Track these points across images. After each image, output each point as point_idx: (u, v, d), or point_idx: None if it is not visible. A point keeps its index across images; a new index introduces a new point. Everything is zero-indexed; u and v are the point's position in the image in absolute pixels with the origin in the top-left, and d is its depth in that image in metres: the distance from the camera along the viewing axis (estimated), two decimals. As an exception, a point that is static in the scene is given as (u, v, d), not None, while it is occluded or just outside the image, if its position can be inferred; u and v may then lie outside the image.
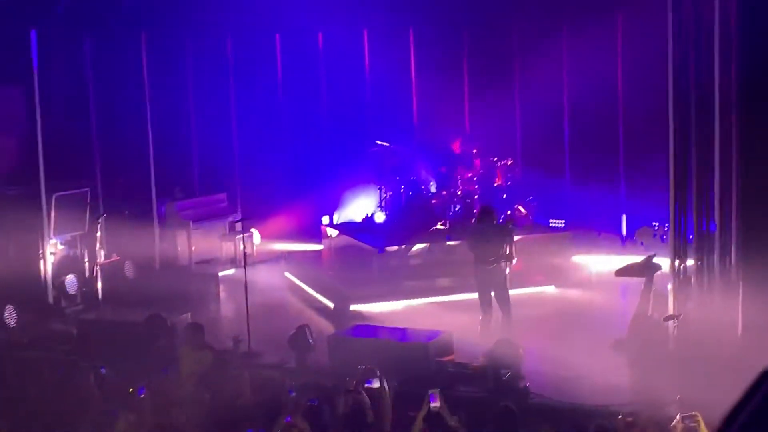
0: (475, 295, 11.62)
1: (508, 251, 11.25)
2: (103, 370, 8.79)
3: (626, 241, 15.48)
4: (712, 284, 10.21)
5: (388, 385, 8.11)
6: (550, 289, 13.64)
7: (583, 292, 13.34)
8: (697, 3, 10.13)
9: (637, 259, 11.58)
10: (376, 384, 7.95)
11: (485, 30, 16.58)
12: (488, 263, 11.08)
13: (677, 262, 10.43)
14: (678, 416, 6.93)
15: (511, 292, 11.11)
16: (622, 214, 15.66)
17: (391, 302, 13.19)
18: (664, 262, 10.99)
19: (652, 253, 11.53)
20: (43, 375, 9.53)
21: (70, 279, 13.55)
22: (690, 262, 10.44)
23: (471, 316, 11.56)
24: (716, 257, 10.17)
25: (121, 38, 15.20)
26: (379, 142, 15.76)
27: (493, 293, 11.33)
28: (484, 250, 11.18)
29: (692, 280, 10.40)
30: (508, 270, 11.02)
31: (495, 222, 11.53)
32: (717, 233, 10.17)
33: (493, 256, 11.10)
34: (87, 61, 15.23)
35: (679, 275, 10.42)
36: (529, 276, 13.53)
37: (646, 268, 11.06)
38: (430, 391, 7.50)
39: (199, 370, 9.48)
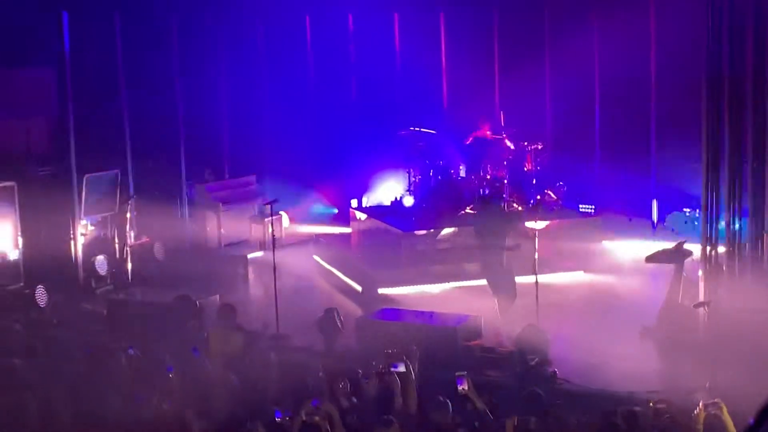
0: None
1: (514, 240, 11.00)
2: (131, 351, 8.84)
3: (657, 227, 15.36)
4: (743, 271, 10.10)
5: (413, 370, 8.09)
6: (579, 275, 13.56)
7: (613, 278, 13.25)
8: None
9: (668, 245, 11.48)
10: (401, 368, 7.93)
11: (516, 13, 16.45)
12: (495, 251, 10.83)
13: (708, 249, 10.32)
14: (701, 404, 6.84)
15: (540, 277, 10.92)
16: (653, 199, 15.54)
17: (418, 286, 13.18)
18: (695, 249, 10.89)
19: (682, 239, 11.43)
20: (74, 355, 9.59)
21: (100, 260, 13.66)
22: (721, 248, 10.33)
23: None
24: (748, 244, 10.05)
25: (152, 21, 15.24)
26: (413, 129, 15.60)
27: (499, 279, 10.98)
28: (490, 238, 10.94)
29: (723, 266, 10.29)
30: (537, 256, 10.72)
31: (500, 210, 11.36)
32: (749, 219, 10.05)
33: (499, 244, 10.88)
34: (118, 44, 15.29)
35: (710, 262, 10.32)
36: (559, 261, 13.48)
37: (677, 255, 10.97)
38: (457, 375, 7.49)
39: (228, 352, 9.52)
